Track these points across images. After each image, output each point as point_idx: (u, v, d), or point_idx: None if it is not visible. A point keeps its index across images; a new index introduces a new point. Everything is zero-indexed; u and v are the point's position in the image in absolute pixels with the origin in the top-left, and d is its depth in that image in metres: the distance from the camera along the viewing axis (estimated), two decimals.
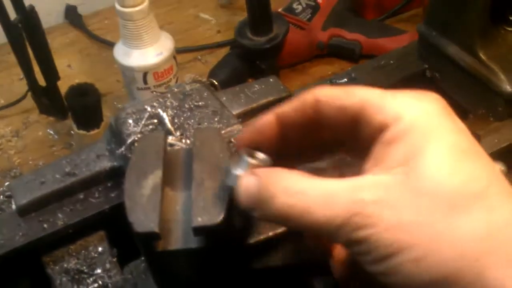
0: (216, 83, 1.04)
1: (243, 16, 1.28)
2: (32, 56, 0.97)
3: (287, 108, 0.43)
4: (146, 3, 0.88)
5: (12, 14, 0.91)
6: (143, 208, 0.43)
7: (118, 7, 0.88)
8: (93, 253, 0.66)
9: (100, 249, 0.66)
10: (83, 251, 0.66)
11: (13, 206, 0.94)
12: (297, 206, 0.35)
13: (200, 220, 0.41)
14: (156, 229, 0.42)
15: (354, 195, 0.34)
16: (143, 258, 0.67)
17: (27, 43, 0.94)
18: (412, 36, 1.07)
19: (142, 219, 0.42)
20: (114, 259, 0.66)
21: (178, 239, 0.43)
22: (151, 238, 0.42)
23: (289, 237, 0.44)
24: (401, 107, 0.37)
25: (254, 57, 1.05)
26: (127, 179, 0.46)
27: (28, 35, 0.93)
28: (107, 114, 1.05)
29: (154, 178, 0.45)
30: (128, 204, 0.44)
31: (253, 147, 0.42)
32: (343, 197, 0.34)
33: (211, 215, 0.41)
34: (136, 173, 0.46)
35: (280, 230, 0.44)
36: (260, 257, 0.44)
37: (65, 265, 0.65)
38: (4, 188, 0.99)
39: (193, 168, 0.44)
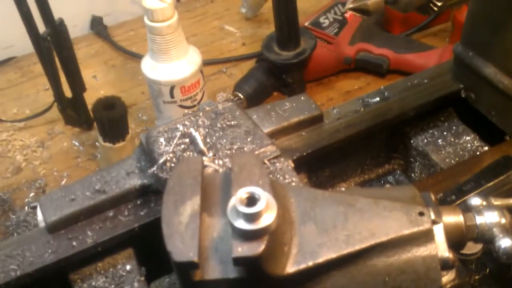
0: (242, 96, 1.03)
1: (268, 28, 1.28)
2: (59, 67, 0.97)
3: None
4: (175, 18, 0.87)
5: (41, 26, 0.92)
6: (181, 236, 0.42)
7: (147, 21, 0.88)
8: (121, 272, 0.65)
9: (128, 267, 0.65)
10: (111, 269, 0.65)
11: (38, 218, 0.95)
12: None
13: (240, 250, 0.40)
14: (195, 258, 0.41)
15: None
16: (168, 275, 0.66)
17: (55, 55, 0.95)
18: (440, 52, 1.06)
19: (181, 247, 0.42)
20: (142, 278, 0.65)
21: (215, 268, 0.43)
22: (190, 267, 0.41)
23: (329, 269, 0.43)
24: None
25: (281, 71, 1.04)
26: (165, 205, 0.45)
27: (57, 47, 0.93)
28: (132, 126, 1.05)
29: (192, 204, 0.44)
30: (166, 231, 0.43)
31: None
32: None
33: (251, 245, 0.40)
34: (174, 199, 0.45)
35: (321, 260, 0.43)
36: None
37: (93, 283, 0.64)
38: (29, 199, 0.99)
39: (232, 195, 0.43)
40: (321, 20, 1.09)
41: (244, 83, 1.05)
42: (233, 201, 0.41)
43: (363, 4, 0.49)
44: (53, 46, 0.93)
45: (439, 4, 0.52)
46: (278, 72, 1.05)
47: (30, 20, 0.90)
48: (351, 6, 0.49)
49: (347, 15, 1.09)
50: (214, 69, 1.17)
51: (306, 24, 1.09)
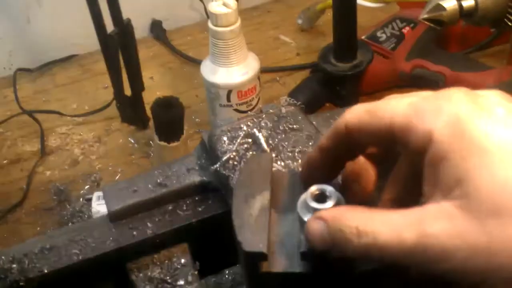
0: None
1: (323, 40, 1.29)
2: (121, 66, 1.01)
3: (324, 139, 0.43)
4: (238, 24, 0.90)
5: (109, 25, 0.96)
6: (251, 228, 0.44)
7: (211, 26, 0.90)
8: (176, 264, 0.67)
9: (183, 261, 0.67)
10: (166, 261, 0.67)
11: (93, 210, 0.97)
12: (373, 247, 0.35)
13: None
14: (264, 249, 0.42)
15: (419, 228, 0.33)
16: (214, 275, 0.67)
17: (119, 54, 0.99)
18: (498, 73, 1.05)
19: (251, 238, 0.43)
20: (196, 272, 0.66)
21: (282, 262, 0.43)
22: (258, 258, 0.42)
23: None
24: (427, 122, 0.34)
25: (335, 82, 1.05)
26: (236, 197, 0.46)
27: (122, 46, 0.97)
28: (185, 128, 1.08)
29: (262, 199, 0.46)
30: (236, 222, 0.44)
31: (310, 181, 0.43)
32: (410, 233, 0.33)
33: None
34: (244, 193, 0.46)
35: None
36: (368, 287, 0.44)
37: (149, 274, 0.66)
38: (85, 192, 1.03)
39: (301, 193, 0.44)
40: (378, 34, 1.10)
41: (297, 92, 1.07)
42: (304, 196, 0.42)
43: (438, 14, 0.50)
44: (119, 45, 0.96)
45: None
46: (332, 84, 1.06)
47: (100, 19, 0.94)
48: (426, 16, 0.50)
49: (404, 30, 1.09)
50: (268, 77, 1.19)
51: (363, 37, 1.10)
